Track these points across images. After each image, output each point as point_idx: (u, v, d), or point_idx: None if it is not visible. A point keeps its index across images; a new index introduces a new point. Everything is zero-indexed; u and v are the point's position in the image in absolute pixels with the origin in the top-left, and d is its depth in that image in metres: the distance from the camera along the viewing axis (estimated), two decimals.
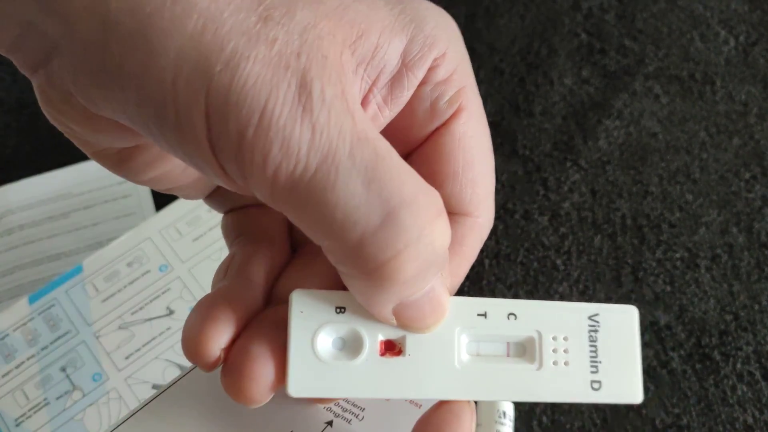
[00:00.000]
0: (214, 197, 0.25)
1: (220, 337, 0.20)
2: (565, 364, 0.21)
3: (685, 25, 0.51)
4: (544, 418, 0.38)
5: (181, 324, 0.39)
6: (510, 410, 0.36)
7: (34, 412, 0.38)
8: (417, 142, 0.23)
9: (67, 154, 0.45)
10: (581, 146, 0.47)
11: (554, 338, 0.21)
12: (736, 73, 0.49)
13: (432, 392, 0.21)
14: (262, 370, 0.20)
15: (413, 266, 0.18)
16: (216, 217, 0.41)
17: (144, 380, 0.38)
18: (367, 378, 0.21)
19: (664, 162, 0.46)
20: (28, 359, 0.39)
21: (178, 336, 0.38)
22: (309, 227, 0.18)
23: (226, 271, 0.23)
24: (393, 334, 0.21)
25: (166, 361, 0.38)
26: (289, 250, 0.24)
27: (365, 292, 0.20)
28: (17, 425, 0.38)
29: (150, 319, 0.39)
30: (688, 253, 0.43)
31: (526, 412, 0.38)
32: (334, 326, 0.21)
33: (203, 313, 0.21)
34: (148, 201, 0.45)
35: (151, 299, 0.39)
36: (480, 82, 0.42)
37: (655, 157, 0.46)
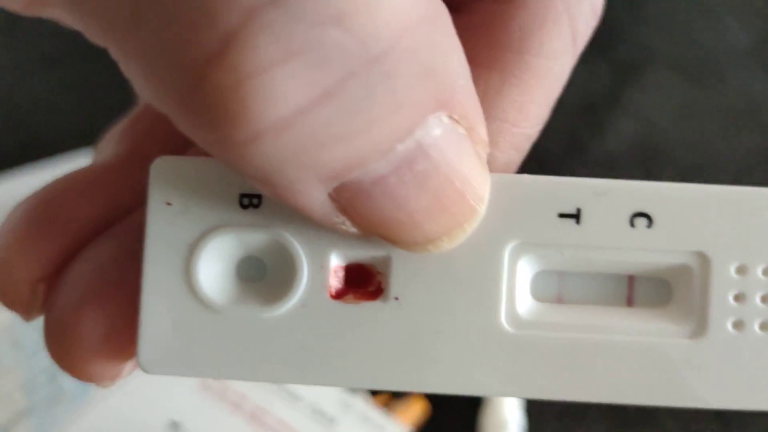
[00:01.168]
0: None
1: (35, 261, 0.12)
2: (761, 328, 0.10)
3: (695, 17, 0.51)
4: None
5: None
6: (518, 418, 0.35)
7: (22, 419, 0.37)
8: None
9: (52, 150, 0.45)
10: (588, 143, 0.46)
11: (739, 270, 0.10)
12: (749, 68, 0.49)
13: (448, 384, 0.10)
14: (97, 323, 0.11)
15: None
16: None
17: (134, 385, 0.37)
18: (301, 347, 0.10)
19: (675, 158, 0.46)
20: (14, 365, 0.38)
21: None
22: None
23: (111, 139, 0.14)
24: (363, 252, 0.10)
25: None
26: None
27: (227, 154, 0.09)
28: None
29: None
30: None
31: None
32: (238, 235, 0.11)
33: (20, 215, 0.12)
34: None
35: None
36: None
37: (666, 153, 0.46)
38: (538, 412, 0.38)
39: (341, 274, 0.11)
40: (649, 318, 0.10)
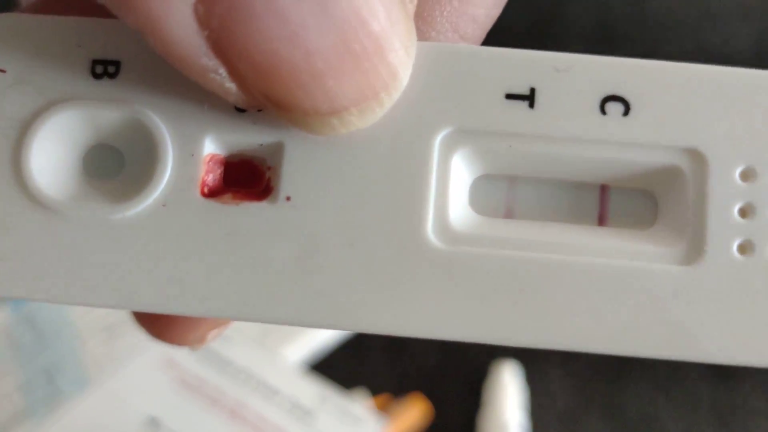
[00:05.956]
0: None
1: None
2: None
3: (700, 21, 0.50)
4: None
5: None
6: (520, 419, 0.35)
7: (19, 420, 0.36)
8: None
9: None
10: None
11: (745, 174, 0.08)
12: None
13: (355, 318, 0.08)
14: None
15: None
16: None
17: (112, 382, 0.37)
18: (157, 259, 0.08)
19: None
20: (12, 366, 0.37)
21: None
22: None
23: None
24: (247, 137, 0.08)
25: (154, 362, 0.37)
26: None
27: None
28: None
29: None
30: None
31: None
32: (87, 110, 0.08)
33: None
34: None
35: None
36: None
37: None
38: (539, 412, 0.37)
39: (219, 170, 0.08)
40: (627, 238, 0.08)
